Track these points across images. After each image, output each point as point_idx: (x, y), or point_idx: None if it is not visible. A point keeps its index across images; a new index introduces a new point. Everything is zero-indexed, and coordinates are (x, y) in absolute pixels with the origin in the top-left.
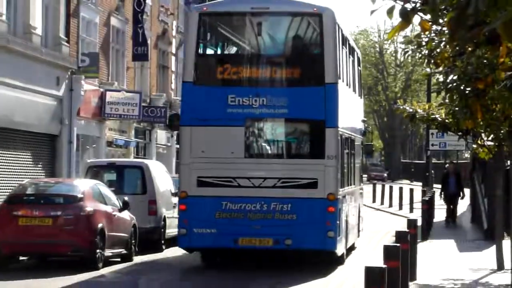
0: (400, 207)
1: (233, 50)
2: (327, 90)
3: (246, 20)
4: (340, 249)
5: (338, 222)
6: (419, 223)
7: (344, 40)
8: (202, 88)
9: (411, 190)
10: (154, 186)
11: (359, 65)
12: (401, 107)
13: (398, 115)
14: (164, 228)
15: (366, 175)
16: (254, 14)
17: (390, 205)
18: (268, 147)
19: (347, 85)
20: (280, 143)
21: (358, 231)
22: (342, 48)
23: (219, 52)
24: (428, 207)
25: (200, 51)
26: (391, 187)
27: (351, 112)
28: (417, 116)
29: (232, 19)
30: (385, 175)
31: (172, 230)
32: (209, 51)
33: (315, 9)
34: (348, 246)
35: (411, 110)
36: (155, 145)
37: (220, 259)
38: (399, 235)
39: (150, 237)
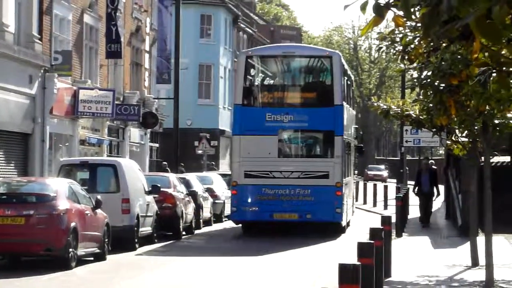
0: (375, 204)
1: (270, 81)
2: (336, 109)
3: (279, 61)
4: (343, 222)
5: (342, 202)
6: (394, 219)
7: (345, 72)
8: (248, 108)
9: (385, 187)
10: (127, 184)
11: (352, 85)
12: (375, 103)
13: (373, 111)
14: (137, 226)
15: (361, 176)
16: (284, 56)
17: (365, 202)
18: (294, 150)
19: (347, 103)
20: (303, 147)
21: (353, 211)
22: (344, 78)
23: (259, 83)
24: (402, 204)
25: (246, 83)
26: (365, 184)
27: (349, 122)
28: (391, 113)
29: (269, 60)
30: (385, 174)
31: (145, 228)
32: (253, 82)
33: (327, 53)
34: (347, 221)
35: (385, 106)
36: (128, 144)
37: (257, 230)
38: (373, 232)
39: (124, 236)
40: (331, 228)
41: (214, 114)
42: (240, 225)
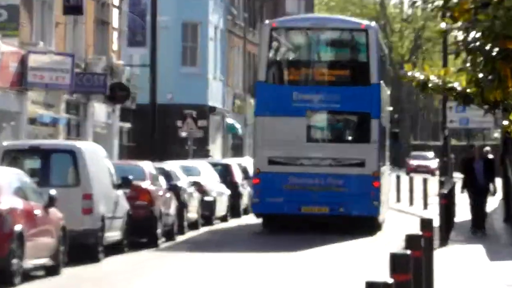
0: (411, 203)
1: (297, 56)
2: (372, 88)
3: (307, 34)
4: (381, 217)
5: (380, 194)
6: (436, 223)
7: (380, 46)
8: (272, 86)
9: (425, 181)
10: (89, 176)
11: (386, 60)
12: (409, 73)
13: (406, 83)
14: (102, 231)
15: (395, 165)
16: (314, 29)
17: (398, 200)
18: (325, 134)
19: (383, 82)
20: (335, 130)
21: (387, 207)
22: (380, 53)
23: (286, 58)
24: (447, 202)
25: (270, 57)
26: (398, 177)
27: (385, 104)
28: (430, 85)
29: (296, 32)
30: (435, 164)
31: (113, 233)
32: (278, 57)
33: (362, 25)
34: (384, 217)
35: (422, 77)
36: (92, 123)
37: (280, 225)
38: (410, 240)
39: (84, 243)
40: (365, 224)
41: (201, 86)
42: (252, 222)
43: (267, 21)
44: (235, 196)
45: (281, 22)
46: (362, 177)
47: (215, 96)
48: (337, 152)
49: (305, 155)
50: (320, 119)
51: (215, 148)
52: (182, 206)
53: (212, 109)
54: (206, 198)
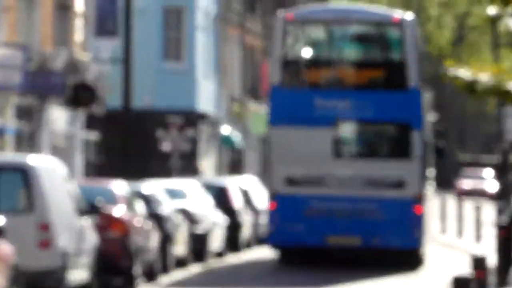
0: (460, 234)
1: (319, 54)
2: (411, 93)
3: (331, 27)
4: (422, 249)
5: (423, 221)
6: (492, 261)
7: (417, 42)
8: (291, 91)
9: (478, 207)
10: (46, 200)
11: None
12: (452, 71)
13: (449, 84)
14: (64, 270)
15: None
16: (338, 22)
17: (443, 230)
18: (355, 148)
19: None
20: (367, 144)
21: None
22: (418, 50)
23: (306, 57)
24: (506, 235)
25: (287, 56)
26: (443, 201)
27: (425, 110)
28: (479, 87)
29: (317, 26)
30: (493, 188)
31: (78, 273)
32: (296, 56)
33: (396, 17)
34: (425, 250)
35: (468, 76)
36: (48, 133)
37: (300, 260)
38: (459, 283)
39: (41, 286)
40: (404, 258)
41: (188, 87)
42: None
43: (281, 13)
44: (234, 226)
45: (298, 14)
46: (401, 201)
47: (206, 99)
48: (370, 170)
49: (331, 173)
50: (349, 130)
51: (208, 166)
52: (166, 239)
53: (203, 116)
54: (197, 229)
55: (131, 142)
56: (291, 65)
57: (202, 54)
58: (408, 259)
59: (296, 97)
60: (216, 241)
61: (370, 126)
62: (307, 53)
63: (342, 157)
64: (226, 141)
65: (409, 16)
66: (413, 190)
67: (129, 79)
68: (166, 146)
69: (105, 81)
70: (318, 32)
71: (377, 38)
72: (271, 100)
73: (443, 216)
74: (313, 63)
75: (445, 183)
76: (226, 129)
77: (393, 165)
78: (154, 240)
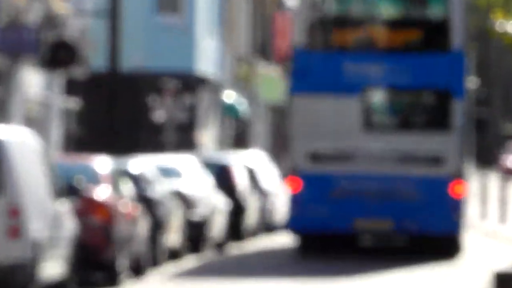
0: (503, 220)
1: (350, 11)
2: (454, 56)
3: None
4: (461, 235)
5: (462, 203)
6: None
7: None
8: (316, 54)
9: None
10: (17, 180)
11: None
12: (500, 25)
13: (496, 40)
14: (36, 263)
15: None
16: None
17: (484, 216)
18: (388, 119)
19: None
20: (402, 115)
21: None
22: (463, 5)
23: (332, 13)
24: None
25: (312, 14)
26: (483, 181)
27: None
28: None
29: None
30: None
31: (52, 266)
32: (322, 12)
33: None
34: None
35: None
36: (21, 100)
37: (323, 246)
38: (501, 279)
39: (9, 280)
40: (441, 244)
41: (186, 45)
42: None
43: None
44: (237, 210)
45: None
46: (439, 179)
47: (207, 59)
48: (404, 144)
49: (360, 148)
50: (382, 98)
51: (208, 139)
52: (157, 226)
53: (203, 80)
54: (194, 214)
55: (118, 111)
56: (317, 24)
57: (203, 5)
58: (445, 246)
59: (321, 61)
60: (216, 229)
61: (405, 94)
62: (335, 10)
63: (373, 130)
64: (230, 110)
65: None
66: (452, 167)
67: (116, 36)
68: (159, 115)
69: (88, 38)
70: None
71: None
72: (293, 64)
73: (483, 199)
74: (342, 21)
75: (487, 159)
76: (230, 96)
77: (430, 139)
78: (143, 228)
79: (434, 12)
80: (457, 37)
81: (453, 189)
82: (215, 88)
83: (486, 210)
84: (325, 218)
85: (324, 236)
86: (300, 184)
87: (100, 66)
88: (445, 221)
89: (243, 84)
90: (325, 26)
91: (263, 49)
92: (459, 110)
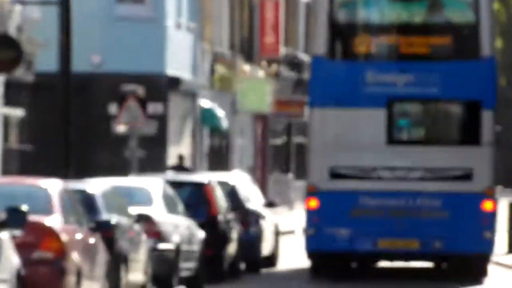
0: None
1: (373, 18)
2: (484, 65)
3: None
4: (493, 255)
5: (495, 221)
6: None
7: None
8: (336, 63)
9: None
10: None
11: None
12: None
13: None
14: None
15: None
16: None
17: (511, 249)
18: (414, 132)
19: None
20: (428, 128)
21: None
22: (493, 11)
23: (355, 20)
24: None
25: (333, 19)
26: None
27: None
28: None
29: None
30: None
31: None
32: (344, 19)
33: None
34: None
35: None
36: None
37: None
38: None
39: None
40: (473, 265)
41: (154, 41)
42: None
43: None
44: (216, 240)
45: None
46: (469, 196)
47: (179, 58)
48: (432, 159)
49: (384, 164)
50: (408, 111)
51: (180, 150)
52: (118, 260)
53: (175, 82)
54: (162, 246)
55: (71, 121)
56: (339, 31)
57: None
58: (478, 266)
59: (343, 71)
60: (189, 263)
61: (433, 106)
62: (357, 16)
63: (398, 144)
64: (207, 119)
65: None
66: (483, 183)
67: (68, 31)
68: (121, 126)
69: (34, 33)
70: None
71: None
72: (312, 74)
73: (510, 226)
74: (365, 28)
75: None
76: (206, 102)
77: (459, 153)
78: (100, 261)
79: (462, 18)
80: (487, 44)
81: (484, 206)
82: (189, 93)
83: None
84: (346, 239)
85: (344, 257)
86: (318, 202)
87: (49, 67)
88: (477, 240)
89: (223, 87)
90: (346, 34)
91: (247, 46)
92: (490, 122)
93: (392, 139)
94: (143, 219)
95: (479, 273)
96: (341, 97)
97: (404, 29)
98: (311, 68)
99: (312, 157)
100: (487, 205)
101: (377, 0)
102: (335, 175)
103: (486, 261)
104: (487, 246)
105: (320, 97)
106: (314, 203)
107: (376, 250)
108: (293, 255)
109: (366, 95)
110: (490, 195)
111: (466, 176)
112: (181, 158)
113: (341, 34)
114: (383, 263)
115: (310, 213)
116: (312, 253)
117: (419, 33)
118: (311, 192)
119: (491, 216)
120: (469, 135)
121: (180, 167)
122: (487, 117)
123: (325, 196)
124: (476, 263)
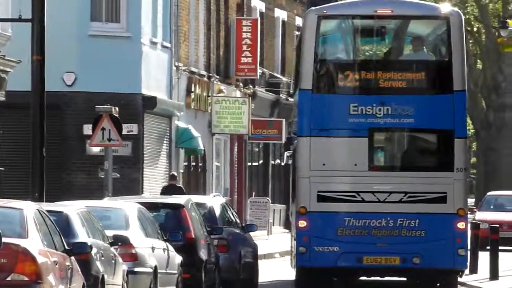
0: (494, 277)
1: (355, 55)
2: (456, 98)
3: (369, 24)
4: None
5: (467, 239)
6: None
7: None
8: (322, 96)
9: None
10: None
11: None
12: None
13: (508, 54)
14: None
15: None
16: (377, 17)
17: (494, 277)
18: (393, 159)
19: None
20: (406, 155)
21: None
22: (464, 49)
23: (339, 58)
24: None
25: (319, 57)
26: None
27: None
28: None
29: (354, 22)
30: None
31: None
32: (329, 57)
33: (442, 12)
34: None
35: None
36: None
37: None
38: None
39: None
40: (448, 280)
41: (129, 59)
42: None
43: (312, 8)
44: (194, 264)
45: (332, 8)
46: (443, 216)
47: (155, 78)
48: (410, 184)
49: (367, 188)
50: (387, 139)
51: (153, 175)
52: (94, 283)
53: (150, 101)
54: (138, 269)
55: (43, 142)
56: (323, 67)
57: (150, 11)
58: (452, 281)
59: (328, 103)
60: (168, 285)
61: (411, 135)
62: (342, 53)
63: (379, 170)
64: (183, 140)
65: (455, 10)
66: (456, 204)
67: (42, 49)
68: (94, 147)
69: (6, 51)
70: (355, 29)
71: (420, 35)
72: (300, 107)
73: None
74: (349, 65)
75: None
76: (181, 124)
77: (435, 178)
78: (77, 286)
79: (437, 54)
80: (458, 79)
81: (458, 225)
82: (165, 114)
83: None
84: (333, 256)
85: (331, 273)
86: (308, 222)
87: (22, 86)
88: (452, 257)
89: (199, 109)
90: (331, 70)
91: (223, 65)
92: (462, 150)
93: (373, 165)
94: (119, 241)
95: (454, 285)
96: (327, 127)
97: (383, 65)
98: (298, 101)
99: (301, 182)
100: (460, 225)
101: (357, 40)
102: (322, 198)
103: (458, 276)
104: (463, 262)
105: (307, 128)
106: (304, 223)
107: (361, 266)
108: (273, 279)
109: (349, 125)
110: (462, 216)
111: (441, 198)
112: (173, 177)
113: (326, 71)
114: (362, 277)
115: (300, 233)
116: (301, 268)
117: (396, 70)
118: (301, 214)
119: (464, 234)
120: (443, 161)
121: (173, 186)
122: (459, 145)
123: (314, 218)
124: (450, 278)
